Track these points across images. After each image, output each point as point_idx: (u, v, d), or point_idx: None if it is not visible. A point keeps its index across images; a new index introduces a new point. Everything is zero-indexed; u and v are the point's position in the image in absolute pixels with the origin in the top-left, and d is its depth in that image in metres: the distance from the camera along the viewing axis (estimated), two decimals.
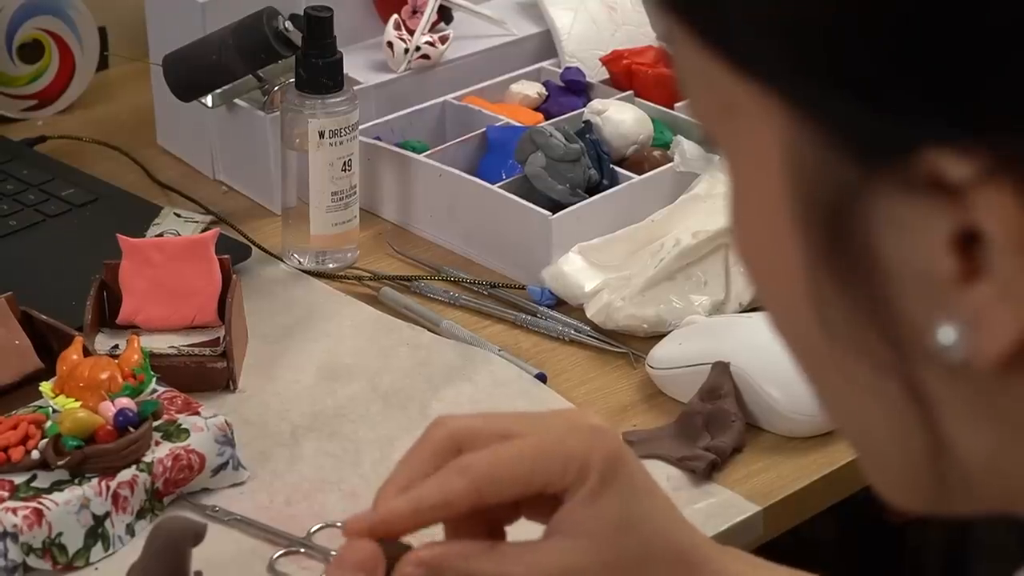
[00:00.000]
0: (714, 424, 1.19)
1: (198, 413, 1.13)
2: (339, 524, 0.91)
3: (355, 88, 1.46)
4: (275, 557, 1.07)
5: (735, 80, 0.49)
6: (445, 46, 1.57)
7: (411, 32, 1.57)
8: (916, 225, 0.46)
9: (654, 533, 0.76)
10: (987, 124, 0.44)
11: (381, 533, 0.75)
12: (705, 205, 1.36)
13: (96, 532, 1.06)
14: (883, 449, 0.53)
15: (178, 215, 1.46)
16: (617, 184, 1.42)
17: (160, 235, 1.39)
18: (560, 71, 1.59)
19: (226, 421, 1.13)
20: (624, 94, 1.55)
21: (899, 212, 0.46)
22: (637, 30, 1.66)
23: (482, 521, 0.77)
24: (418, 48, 1.56)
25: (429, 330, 1.32)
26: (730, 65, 0.49)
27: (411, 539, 0.76)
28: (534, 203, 1.37)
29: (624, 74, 1.58)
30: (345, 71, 1.40)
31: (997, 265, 0.45)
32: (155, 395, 1.13)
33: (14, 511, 1.03)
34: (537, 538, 0.76)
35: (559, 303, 1.35)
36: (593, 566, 0.74)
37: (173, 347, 1.23)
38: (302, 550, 1.08)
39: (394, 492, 0.75)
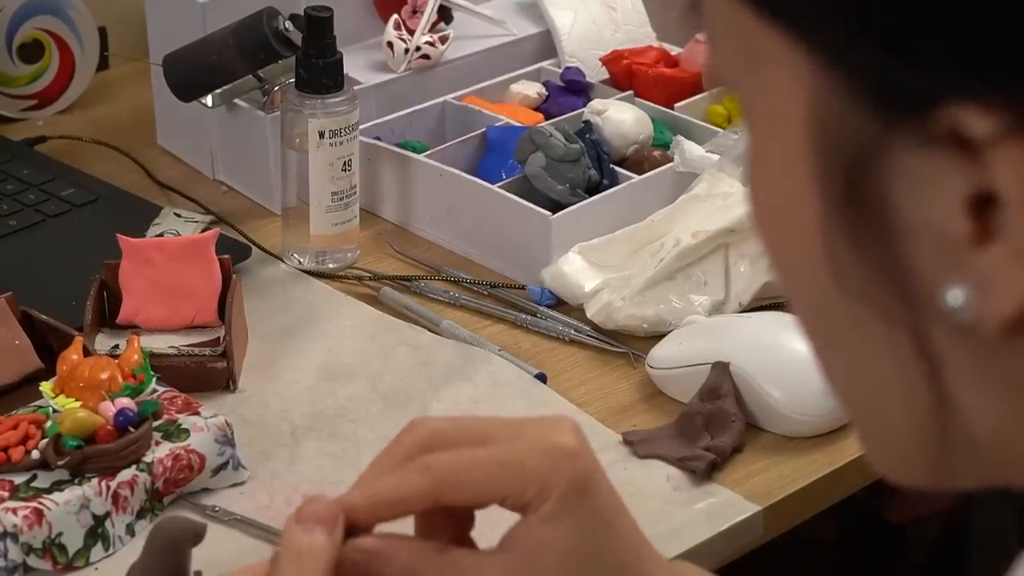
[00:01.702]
0: (714, 424, 1.19)
1: (198, 413, 1.13)
2: None
3: (355, 88, 1.46)
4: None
5: (762, 31, 0.49)
6: (445, 46, 1.57)
7: (411, 32, 1.57)
8: (933, 183, 0.47)
9: (608, 563, 0.74)
10: (1011, 80, 0.45)
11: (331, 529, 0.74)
12: (705, 205, 1.36)
13: (96, 532, 1.06)
14: (888, 409, 0.53)
15: (178, 215, 1.46)
16: (617, 184, 1.42)
17: (160, 235, 1.39)
18: (560, 71, 1.59)
19: (226, 421, 1.13)
20: (624, 94, 1.55)
21: (918, 168, 0.47)
22: (637, 30, 1.66)
23: (452, 514, 0.77)
24: (418, 48, 1.56)
25: (429, 330, 1.32)
26: (758, 14, 0.49)
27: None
28: (534, 203, 1.38)
29: (624, 74, 1.58)
30: (345, 71, 1.40)
31: (1011, 226, 0.45)
32: (155, 395, 1.13)
33: (14, 511, 1.04)
34: (490, 548, 0.76)
35: (559, 303, 1.35)
36: None
37: (173, 347, 1.23)
38: None
39: (361, 492, 0.75)
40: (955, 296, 0.47)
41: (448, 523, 0.77)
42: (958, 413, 0.51)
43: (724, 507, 1.14)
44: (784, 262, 0.54)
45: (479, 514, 0.78)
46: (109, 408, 1.08)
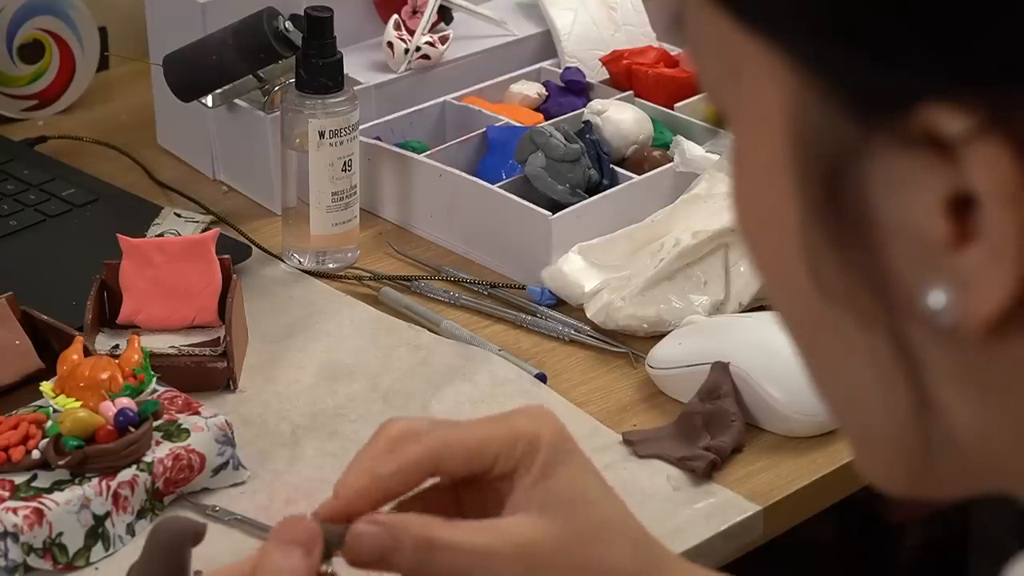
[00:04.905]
0: (714, 424, 1.19)
1: (198, 413, 1.13)
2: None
3: (355, 88, 1.46)
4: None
5: (742, 40, 0.50)
6: (445, 46, 1.57)
7: (411, 32, 1.57)
8: (911, 185, 0.47)
9: (610, 510, 0.76)
10: (984, 77, 0.45)
11: (347, 513, 0.74)
12: (705, 205, 1.36)
13: (96, 532, 1.07)
14: (870, 413, 0.53)
15: (178, 215, 1.46)
16: (617, 184, 1.42)
17: (160, 235, 1.39)
18: (560, 71, 1.59)
19: (226, 421, 1.13)
20: (624, 94, 1.55)
21: (895, 171, 0.47)
22: (637, 30, 1.66)
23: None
24: (418, 48, 1.56)
25: (429, 330, 1.32)
26: (737, 23, 0.50)
27: None
28: (534, 203, 1.38)
29: (624, 74, 1.58)
30: (345, 71, 1.40)
31: (989, 225, 0.46)
32: (155, 395, 1.13)
33: (14, 511, 1.04)
34: (490, 519, 0.76)
35: (559, 303, 1.35)
36: (552, 541, 0.73)
37: (173, 347, 1.23)
38: None
39: (350, 477, 0.75)
40: (937, 298, 0.47)
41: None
42: (940, 416, 0.51)
43: (724, 507, 1.14)
44: (768, 268, 0.54)
45: None
46: (109, 408, 1.08)
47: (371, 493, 0.74)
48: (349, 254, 1.42)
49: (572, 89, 1.58)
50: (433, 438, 0.75)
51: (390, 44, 1.56)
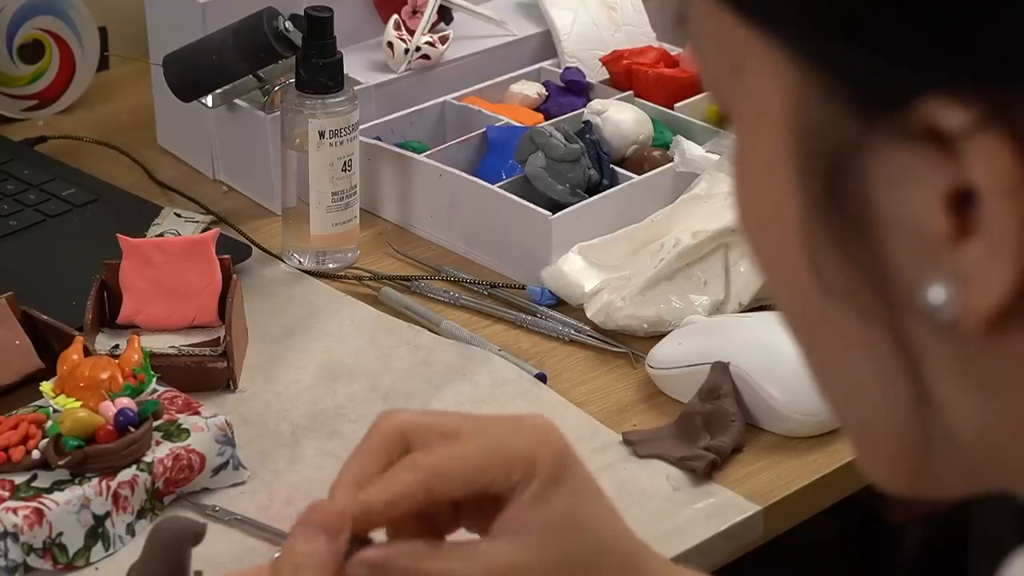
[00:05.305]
0: (714, 424, 1.19)
1: (198, 413, 1.13)
2: None
3: (355, 88, 1.46)
4: (275, 557, 1.06)
5: (744, 36, 0.50)
6: (445, 46, 1.57)
7: (411, 32, 1.57)
8: (911, 180, 0.47)
9: (601, 535, 0.76)
10: (984, 72, 0.45)
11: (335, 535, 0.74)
12: (705, 205, 1.36)
13: (96, 532, 1.07)
14: (870, 409, 0.53)
15: (178, 215, 1.46)
16: (617, 184, 1.42)
17: (160, 235, 1.39)
18: (560, 71, 1.59)
19: (226, 421, 1.13)
20: (624, 94, 1.55)
21: (896, 166, 0.47)
22: (637, 30, 1.66)
23: (424, 530, 0.77)
24: (418, 48, 1.56)
25: (429, 330, 1.32)
26: (739, 19, 0.50)
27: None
28: (534, 203, 1.38)
29: (624, 74, 1.58)
30: (345, 71, 1.40)
31: (989, 220, 0.46)
32: (155, 395, 1.13)
33: (14, 511, 1.04)
34: (480, 539, 0.76)
35: (559, 303, 1.35)
36: (540, 565, 0.74)
37: (173, 347, 1.23)
38: None
39: (345, 489, 0.75)
40: (936, 293, 0.48)
41: (421, 534, 0.77)
42: (939, 412, 0.51)
43: (724, 507, 1.14)
44: (769, 264, 0.55)
45: None
46: (109, 408, 1.08)
47: (363, 519, 0.74)
48: (349, 254, 1.42)
49: (572, 89, 1.58)
50: (427, 467, 0.74)
51: (390, 44, 1.56)
